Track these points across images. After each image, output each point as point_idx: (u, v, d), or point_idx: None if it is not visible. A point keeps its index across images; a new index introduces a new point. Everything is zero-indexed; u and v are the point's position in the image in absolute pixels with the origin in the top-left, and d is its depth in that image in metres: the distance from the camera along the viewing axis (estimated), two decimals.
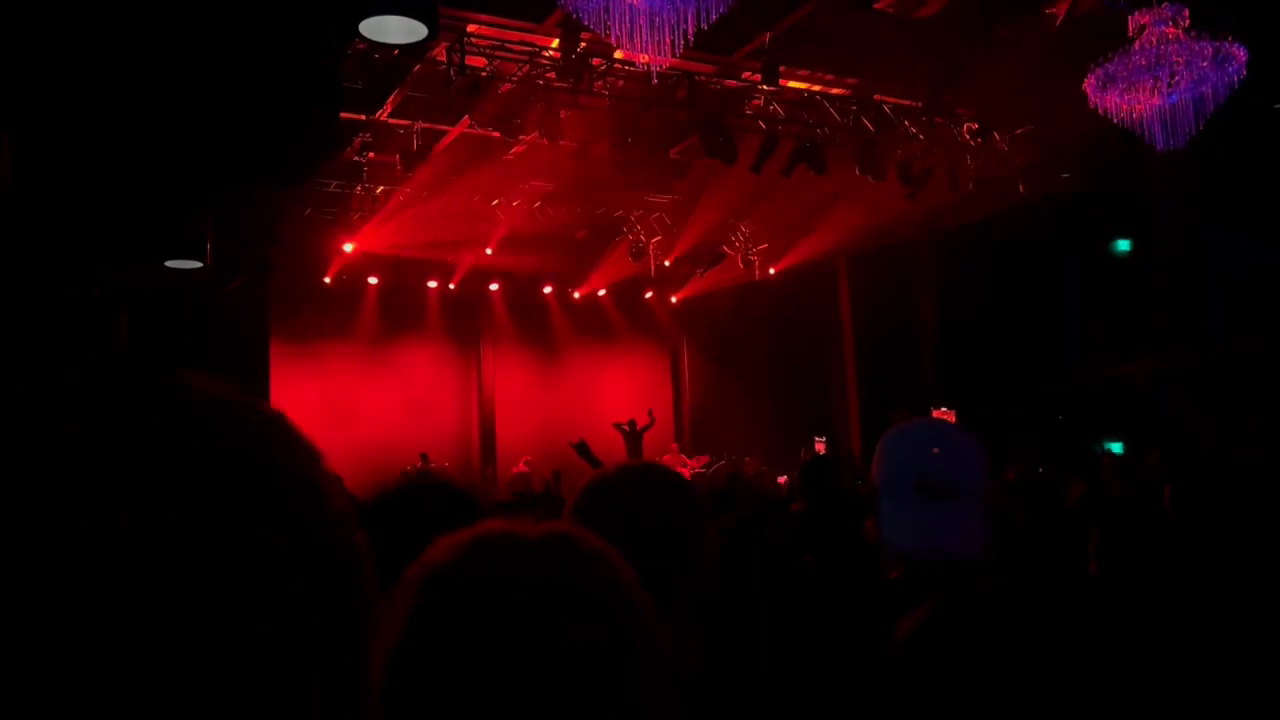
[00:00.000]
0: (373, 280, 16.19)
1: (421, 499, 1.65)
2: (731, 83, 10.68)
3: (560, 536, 0.81)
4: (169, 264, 6.12)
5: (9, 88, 4.43)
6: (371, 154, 11.34)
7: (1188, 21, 7.69)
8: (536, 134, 10.30)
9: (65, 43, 4.39)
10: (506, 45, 9.58)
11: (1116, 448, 12.48)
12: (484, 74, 9.52)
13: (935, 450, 1.68)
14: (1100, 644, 1.74)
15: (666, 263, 17.19)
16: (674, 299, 18.92)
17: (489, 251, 15.42)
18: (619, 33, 6.98)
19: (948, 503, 1.67)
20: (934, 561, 1.72)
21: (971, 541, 1.70)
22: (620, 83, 10.25)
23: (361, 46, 8.01)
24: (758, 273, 17.29)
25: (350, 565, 0.48)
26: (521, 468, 15.56)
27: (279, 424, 0.49)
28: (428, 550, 0.81)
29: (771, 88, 10.13)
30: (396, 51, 8.49)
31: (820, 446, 10.94)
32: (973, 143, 11.80)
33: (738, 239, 16.56)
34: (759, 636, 2.07)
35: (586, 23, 7.05)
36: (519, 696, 0.71)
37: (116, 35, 4.37)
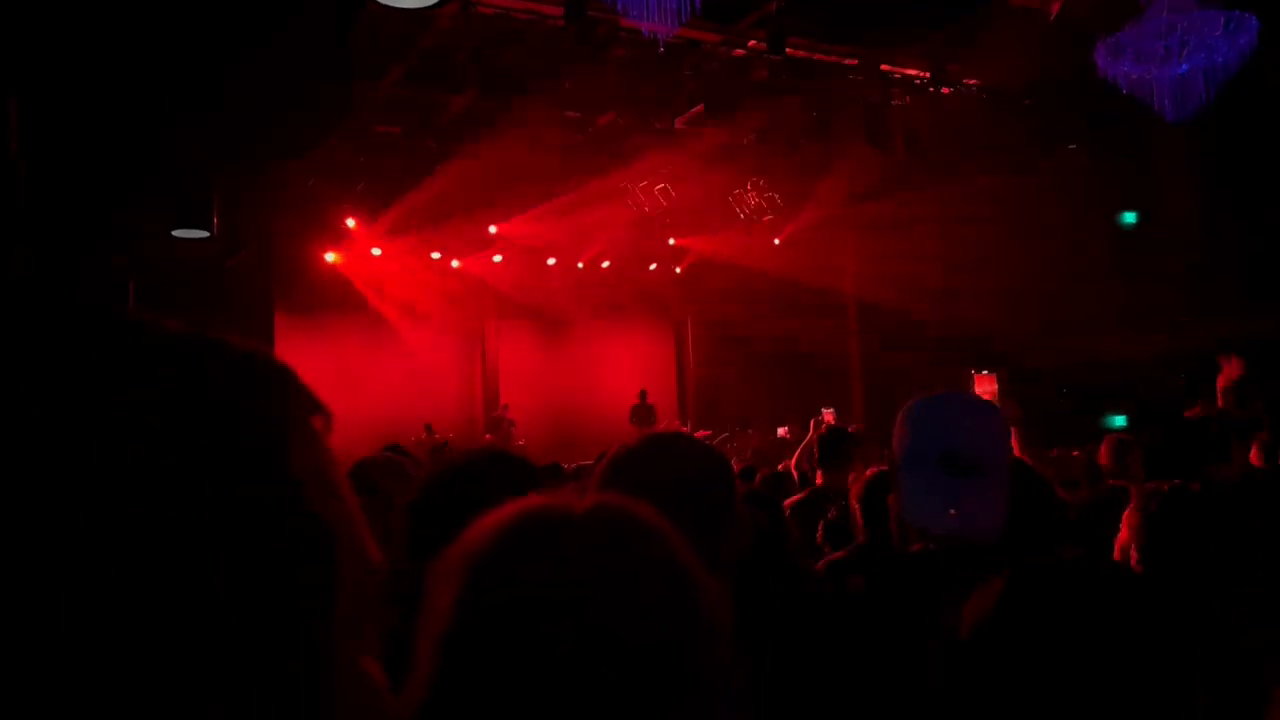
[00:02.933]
0: (376, 251, 16.12)
1: (487, 471, 1.57)
2: (739, 51, 10.57)
3: (613, 511, 0.75)
4: (176, 233, 6.07)
5: (15, 56, 4.39)
6: (378, 127, 11.25)
7: None
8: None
9: (72, 12, 4.35)
10: (511, 13, 9.46)
11: (1119, 421, 12.45)
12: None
13: (963, 424, 1.66)
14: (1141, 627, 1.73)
15: (672, 242, 17.07)
16: (678, 269, 18.80)
17: (493, 230, 15.34)
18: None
19: (972, 478, 1.64)
20: (954, 537, 1.71)
21: (994, 517, 1.68)
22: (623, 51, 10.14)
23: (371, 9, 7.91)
24: (766, 236, 17.19)
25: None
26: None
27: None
28: (470, 529, 0.75)
29: (778, 56, 10.01)
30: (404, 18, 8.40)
31: (829, 416, 10.81)
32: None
33: (744, 205, 16.37)
34: (773, 612, 2.06)
35: None
36: (574, 684, 0.66)
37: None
